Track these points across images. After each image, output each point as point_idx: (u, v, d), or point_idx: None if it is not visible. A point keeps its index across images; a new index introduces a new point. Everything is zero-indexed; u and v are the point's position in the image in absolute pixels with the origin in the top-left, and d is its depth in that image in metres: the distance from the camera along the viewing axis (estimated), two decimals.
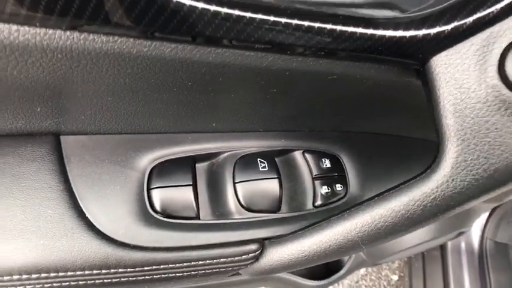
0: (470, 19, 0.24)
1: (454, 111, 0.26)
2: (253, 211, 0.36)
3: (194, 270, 0.33)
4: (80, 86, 0.26)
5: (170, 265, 0.32)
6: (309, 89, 0.31)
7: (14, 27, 0.21)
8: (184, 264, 0.32)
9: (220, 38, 0.23)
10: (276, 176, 0.36)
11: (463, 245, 0.99)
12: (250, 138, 0.38)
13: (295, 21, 0.23)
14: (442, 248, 1.00)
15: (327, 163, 0.39)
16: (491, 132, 0.25)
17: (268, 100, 0.32)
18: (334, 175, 0.39)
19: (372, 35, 0.25)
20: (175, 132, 0.36)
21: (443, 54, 0.26)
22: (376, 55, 0.26)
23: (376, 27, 0.25)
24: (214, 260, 0.33)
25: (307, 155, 0.39)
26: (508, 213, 0.98)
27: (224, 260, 0.33)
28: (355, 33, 0.25)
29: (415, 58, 0.27)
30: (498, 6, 0.24)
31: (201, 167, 0.37)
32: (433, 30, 0.25)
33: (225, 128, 0.37)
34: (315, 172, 0.39)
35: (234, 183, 0.36)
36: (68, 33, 0.22)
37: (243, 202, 0.35)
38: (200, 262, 0.33)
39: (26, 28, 0.22)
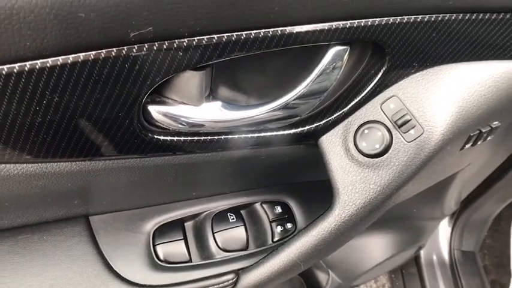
0: (333, 116, 0.41)
1: (337, 171, 0.42)
2: (229, 251, 0.51)
3: None
4: (101, 189, 0.43)
5: None
6: (255, 165, 0.48)
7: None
8: None
9: (191, 151, 0.40)
10: (242, 224, 0.52)
11: (435, 258, 1.12)
12: (221, 199, 0.54)
13: (243, 136, 0.40)
14: (418, 264, 1.13)
15: (279, 209, 0.55)
16: (359, 184, 0.41)
17: (229, 175, 0.49)
18: (285, 217, 0.55)
19: (287, 133, 0.42)
20: (168, 203, 0.52)
21: (324, 136, 0.43)
22: (289, 143, 0.43)
23: (289, 129, 0.42)
24: None
25: (264, 205, 0.55)
26: (468, 224, 1.12)
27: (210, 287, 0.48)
28: (280, 134, 0.41)
29: (312, 139, 0.43)
30: (347, 108, 0.41)
31: (188, 224, 0.53)
32: (313, 125, 0.41)
33: (202, 195, 0.53)
34: (271, 217, 0.54)
35: (213, 233, 0.51)
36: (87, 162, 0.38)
37: (220, 246, 0.51)
38: None
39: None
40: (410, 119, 0.38)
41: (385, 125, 0.39)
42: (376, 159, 0.39)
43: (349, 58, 0.37)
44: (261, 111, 0.37)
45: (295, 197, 0.56)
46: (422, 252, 1.13)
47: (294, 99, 0.37)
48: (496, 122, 0.44)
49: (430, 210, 0.77)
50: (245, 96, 0.38)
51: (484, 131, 0.42)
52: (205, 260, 0.50)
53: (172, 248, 0.49)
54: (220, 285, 0.48)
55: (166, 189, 0.48)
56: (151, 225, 0.50)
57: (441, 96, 0.38)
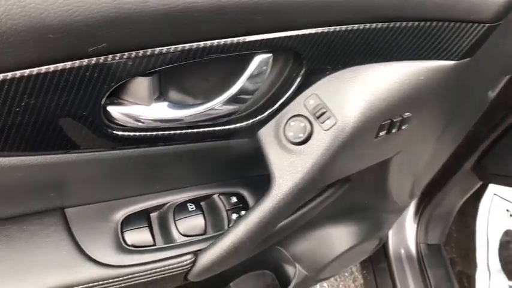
0: (266, 113, 0.49)
1: (272, 159, 0.50)
2: (189, 236, 0.58)
3: (155, 275, 0.55)
4: (74, 182, 0.50)
5: (140, 273, 0.54)
6: (209, 159, 0.55)
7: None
8: (148, 272, 0.54)
9: (149, 145, 0.48)
10: (201, 213, 0.59)
11: (403, 252, 1.20)
12: (183, 192, 0.61)
13: (190, 130, 0.48)
14: (387, 258, 1.20)
15: (234, 199, 0.62)
16: (289, 168, 0.49)
17: (187, 169, 0.56)
18: (240, 206, 0.62)
19: (229, 128, 0.50)
20: (135, 195, 0.59)
21: (261, 130, 0.50)
22: (234, 137, 0.51)
23: (230, 124, 0.49)
24: (165, 267, 0.55)
25: (221, 197, 0.62)
26: (432, 218, 1.20)
27: (171, 266, 0.55)
28: (224, 128, 0.49)
29: (252, 134, 0.51)
30: (276, 105, 0.49)
31: (154, 215, 0.60)
32: (250, 121, 0.49)
33: (165, 188, 0.60)
34: (227, 207, 0.61)
35: (175, 221, 0.58)
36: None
37: (181, 231, 0.58)
38: (158, 269, 0.54)
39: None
40: (326, 111, 0.46)
41: (307, 117, 0.47)
42: (301, 146, 0.47)
43: (274, 64, 0.45)
44: (201, 110, 0.45)
45: (249, 188, 0.64)
46: (391, 246, 1.20)
47: (228, 99, 0.45)
48: (408, 113, 0.52)
49: (381, 202, 0.85)
50: (189, 97, 0.46)
51: (395, 120, 0.50)
52: (167, 244, 0.57)
53: (138, 234, 0.56)
54: (180, 264, 0.55)
55: (133, 182, 0.56)
56: (120, 215, 0.57)
57: (352, 91, 0.46)
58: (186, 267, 0.56)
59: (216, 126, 0.49)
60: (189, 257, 0.56)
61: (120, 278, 0.53)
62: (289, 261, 0.92)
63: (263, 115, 0.49)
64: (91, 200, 0.56)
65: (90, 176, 0.51)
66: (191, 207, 0.60)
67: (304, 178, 0.48)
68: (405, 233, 1.19)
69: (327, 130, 0.46)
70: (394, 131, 0.52)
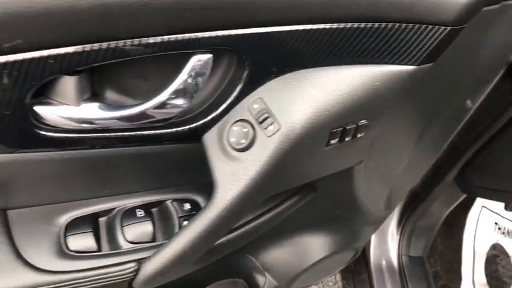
0: (210, 117, 0.46)
1: (215, 165, 0.47)
2: (136, 243, 0.55)
3: (96, 283, 0.52)
4: (15, 183, 0.48)
5: (80, 280, 0.51)
6: (156, 164, 0.53)
7: None
8: (89, 279, 0.51)
9: (86, 146, 0.45)
10: (150, 219, 0.57)
11: (384, 263, 1.16)
12: (134, 197, 0.59)
13: (127, 133, 0.45)
14: (368, 269, 1.16)
15: (187, 206, 0.60)
16: (231, 176, 0.46)
17: (134, 173, 0.54)
18: (193, 213, 0.59)
19: (170, 132, 0.47)
20: (82, 199, 0.56)
21: (205, 134, 0.48)
22: (178, 141, 0.49)
23: (171, 128, 0.47)
24: (108, 275, 0.52)
25: (174, 203, 0.60)
26: (416, 229, 1.16)
27: (114, 274, 0.52)
28: (164, 132, 0.47)
29: (197, 138, 0.49)
30: (220, 109, 0.46)
31: (102, 219, 0.57)
32: (193, 125, 0.47)
33: (115, 192, 0.57)
34: (180, 213, 0.59)
35: (122, 226, 0.56)
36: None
37: (127, 238, 0.55)
38: (100, 277, 0.52)
39: None
40: (269, 116, 0.43)
41: (250, 122, 0.44)
42: (244, 153, 0.45)
43: (215, 65, 0.43)
44: (134, 111, 0.42)
45: (204, 194, 0.61)
46: (372, 257, 1.17)
47: (165, 101, 0.42)
48: (363, 121, 0.49)
49: (354, 213, 0.82)
50: (125, 98, 0.44)
51: (348, 128, 0.47)
52: (113, 250, 0.55)
53: (82, 239, 0.54)
54: (123, 272, 0.53)
55: (79, 185, 0.53)
56: (64, 219, 0.55)
57: (298, 96, 0.43)
58: (129, 275, 0.53)
59: (156, 130, 0.46)
60: (132, 265, 0.53)
61: (58, 285, 0.50)
62: (259, 270, 0.89)
63: (206, 119, 0.47)
64: (35, 202, 0.54)
65: (32, 178, 0.49)
66: (140, 213, 0.57)
67: (248, 187, 0.45)
68: (387, 244, 1.16)
69: (269, 136, 0.43)
70: (347, 139, 0.49)
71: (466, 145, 0.96)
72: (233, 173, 0.46)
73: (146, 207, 0.58)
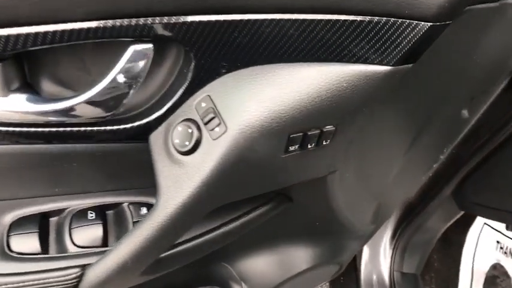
0: (155, 115, 0.42)
1: (159, 168, 0.43)
2: (83, 247, 0.51)
3: (37, 287, 0.48)
4: None
5: (20, 284, 0.47)
6: (105, 163, 0.49)
7: None
8: (30, 283, 0.48)
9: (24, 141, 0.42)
10: (101, 222, 0.53)
11: (375, 278, 1.10)
12: (89, 198, 0.55)
13: (82, 128, 0.41)
14: (358, 285, 1.10)
15: (144, 210, 0.56)
16: (175, 182, 0.42)
17: (83, 172, 0.50)
18: None
19: (113, 129, 0.43)
20: (31, 197, 0.53)
21: (152, 134, 0.44)
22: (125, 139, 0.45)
23: (114, 125, 0.43)
24: (50, 279, 0.48)
25: (131, 206, 0.56)
26: (410, 245, 1.10)
27: (56, 279, 0.49)
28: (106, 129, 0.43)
29: (142, 138, 0.44)
30: (166, 106, 0.42)
31: (53, 220, 0.54)
32: (136, 124, 0.43)
33: (67, 191, 0.54)
34: (135, 218, 0.55)
35: (70, 229, 0.52)
36: None
37: (75, 241, 0.51)
38: (41, 281, 0.48)
39: None
40: (215, 117, 0.39)
41: (196, 122, 0.40)
42: (188, 157, 0.40)
43: (158, 57, 0.39)
44: (66, 105, 0.38)
45: None
46: (363, 272, 1.11)
47: (100, 94, 0.38)
48: (330, 127, 0.44)
49: (335, 225, 0.76)
50: (60, 89, 0.40)
51: (310, 134, 0.43)
52: (59, 253, 0.51)
53: (27, 240, 0.50)
54: (65, 277, 0.49)
55: (24, 182, 0.50)
56: (9, 217, 0.51)
57: (249, 95, 0.39)
58: (72, 281, 0.49)
59: (98, 126, 0.42)
60: (76, 270, 0.49)
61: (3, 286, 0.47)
62: (235, 279, 0.84)
63: (151, 117, 0.42)
64: None
65: None
66: (91, 215, 0.53)
67: (192, 196, 0.41)
68: (379, 259, 1.10)
69: (215, 139, 0.39)
70: (310, 146, 0.44)
71: (465, 158, 0.90)
72: (176, 179, 0.41)
73: (101, 209, 0.54)
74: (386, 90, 0.45)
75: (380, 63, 0.42)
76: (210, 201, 0.43)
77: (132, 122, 0.43)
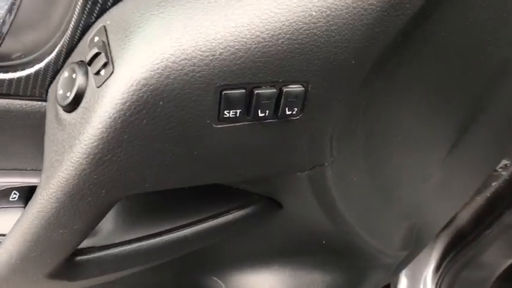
0: (46, 60, 0.30)
1: (47, 132, 0.31)
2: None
3: None
4: None
5: None
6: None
7: None
8: None
9: None
10: (23, 206, 0.42)
11: None
12: (28, 176, 0.45)
13: None
14: None
15: None
16: (57, 152, 0.29)
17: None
18: None
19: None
20: None
21: (50, 89, 0.32)
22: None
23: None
24: None
25: None
26: (457, 284, 0.88)
27: None
28: None
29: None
30: (59, 45, 0.30)
31: None
32: (26, 72, 0.31)
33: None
34: None
35: None
36: None
37: None
38: None
39: None
40: (101, 53, 0.26)
41: (84, 64, 0.27)
42: (69, 115, 0.28)
43: None
44: None
45: None
46: None
47: None
48: (296, 85, 0.29)
49: (346, 246, 0.59)
50: None
51: (258, 92, 0.28)
52: None
53: None
54: None
55: None
56: None
57: (153, 20, 0.25)
58: None
59: None
60: None
61: None
62: None
63: (42, 63, 0.31)
64: None
65: None
66: (14, 196, 0.43)
67: (77, 173, 0.28)
68: None
69: (99, 87, 0.26)
70: (263, 115, 0.29)
71: None
72: (58, 149, 0.29)
73: (31, 190, 0.44)
74: (388, 33, 0.29)
75: None
76: (107, 182, 0.29)
77: (22, 70, 0.31)
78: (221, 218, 0.49)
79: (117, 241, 0.45)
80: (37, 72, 0.31)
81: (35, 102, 0.33)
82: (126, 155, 0.27)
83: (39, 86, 0.32)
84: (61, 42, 0.30)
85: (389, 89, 0.37)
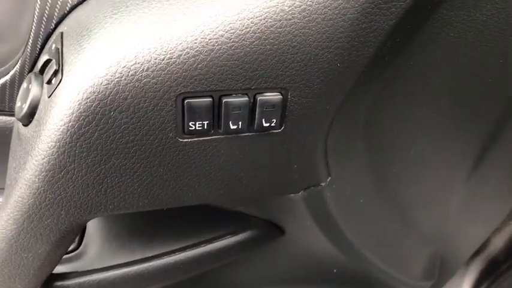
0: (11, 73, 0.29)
1: (10, 153, 0.29)
2: None
3: None
4: None
5: None
6: None
7: None
8: None
9: None
10: None
11: None
12: None
13: None
14: None
15: None
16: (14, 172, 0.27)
17: None
18: None
19: None
20: None
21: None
22: None
23: None
24: None
25: None
26: None
27: None
28: None
29: None
30: (20, 61, 0.28)
31: None
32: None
33: None
34: None
35: None
36: None
37: None
38: None
39: None
40: (52, 60, 0.24)
41: (40, 74, 0.25)
42: (26, 128, 0.26)
43: None
44: None
45: None
46: None
47: None
48: (274, 93, 0.26)
49: (358, 277, 0.53)
50: None
51: (227, 101, 0.25)
52: None
53: None
54: None
55: None
56: None
57: (109, 24, 0.23)
58: None
59: None
60: None
61: None
62: None
63: (7, 76, 0.29)
64: None
65: None
66: None
67: (31, 197, 0.26)
68: None
69: (49, 97, 0.24)
70: (235, 127, 0.26)
71: None
72: (15, 166, 0.27)
73: None
74: (379, 30, 0.25)
75: None
76: (66, 202, 0.27)
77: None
78: (217, 243, 0.45)
79: (102, 266, 0.42)
80: (3, 86, 0.30)
81: (4, 117, 0.32)
82: (80, 172, 0.25)
83: (7, 100, 0.31)
84: (24, 53, 0.28)
85: (392, 95, 0.33)
